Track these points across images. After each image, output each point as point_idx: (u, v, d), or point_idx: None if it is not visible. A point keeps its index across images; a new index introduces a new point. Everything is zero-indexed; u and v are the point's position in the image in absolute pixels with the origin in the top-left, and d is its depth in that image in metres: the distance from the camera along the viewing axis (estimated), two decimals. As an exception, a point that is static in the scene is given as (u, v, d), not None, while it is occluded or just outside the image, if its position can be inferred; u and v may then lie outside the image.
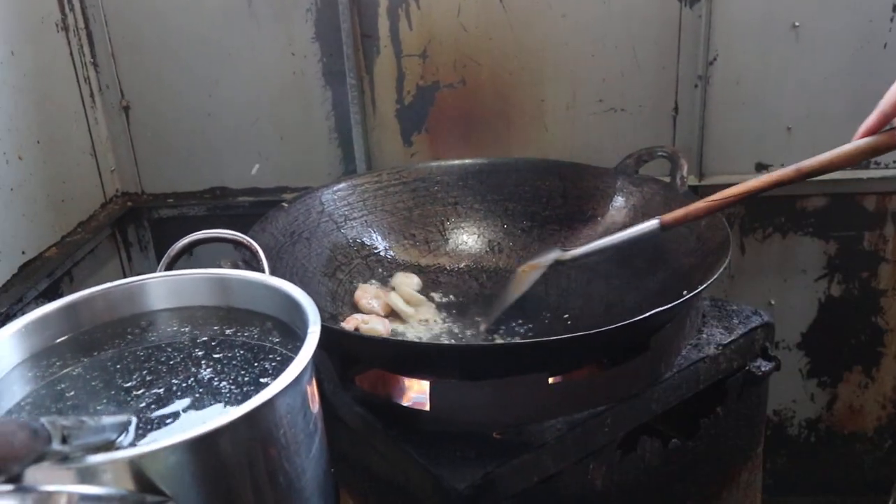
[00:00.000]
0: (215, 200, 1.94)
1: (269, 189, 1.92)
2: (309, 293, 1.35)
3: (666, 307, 1.06)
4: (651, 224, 1.29)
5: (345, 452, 1.28)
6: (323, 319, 1.33)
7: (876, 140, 1.14)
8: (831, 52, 1.75)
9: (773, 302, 1.99)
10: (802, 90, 1.78)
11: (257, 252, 1.05)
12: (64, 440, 0.65)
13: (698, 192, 1.85)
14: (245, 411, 0.74)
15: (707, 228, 1.36)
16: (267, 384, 0.87)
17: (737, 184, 1.81)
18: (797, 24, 1.73)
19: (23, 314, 1.53)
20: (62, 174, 1.73)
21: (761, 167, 1.86)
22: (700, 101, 1.80)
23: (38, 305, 1.61)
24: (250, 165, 1.91)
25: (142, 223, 1.97)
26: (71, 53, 1.78)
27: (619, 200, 1.58)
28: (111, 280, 1.90)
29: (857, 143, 1.14)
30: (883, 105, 1.15)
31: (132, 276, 1.97)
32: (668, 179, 1.53)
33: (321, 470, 0.90)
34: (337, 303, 1.43)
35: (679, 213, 1.28)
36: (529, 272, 1.41)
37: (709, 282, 1.12)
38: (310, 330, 0.86)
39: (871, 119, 1.16)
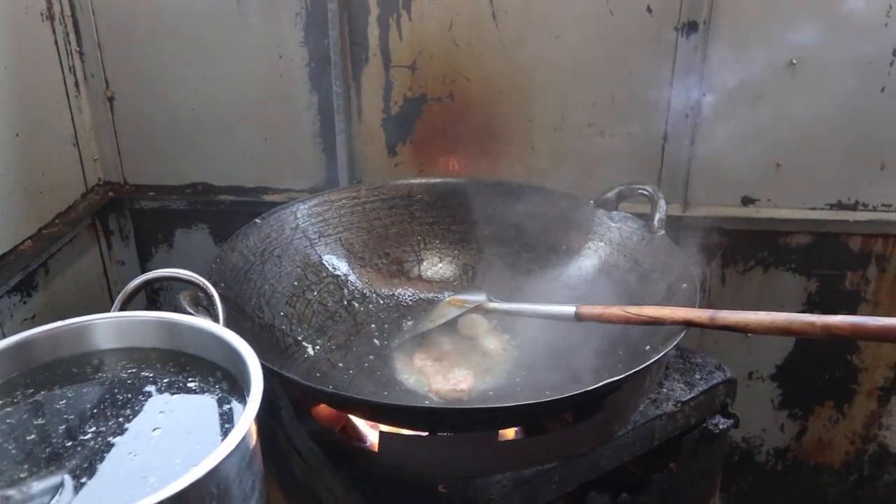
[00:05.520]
0: (197, 196, 1.93)
1: (250, 188, 1.91)
2: (273, 317, 1.37)
3: (617, 378, 1.05)
4: (568, 310, 1.31)
5: (300, 480, 1.28)
6: (286, 345, 1.34)
7: (791, 321, 1.09)
8: (827, 92, 1.72)
9: (749, 333, 1.98)
10: (795, 128, 1.76)
11: (213, 297, 1.04)
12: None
13: (682, 223, 1.85)
14: (180, 488, 0.74)
15: (678, 280, 1.35)
16: (210, 444, 0.87)
17: (721, 217, 1.84)
18: (795, 61, 1.70)
19: (-7, 309, 1.54)
20: (41, 165, 1.72)
21: (748, 201, 1.84)
22: (690, 131, 1.77)
23: (10, 299, 1.62)
24: (233, 163, 1.89)
25: (123, 213, 1.97)
26: (56, 42, 1.76)
27: (596, 235, 1.57)
28: (89, 269, 1.92)
29: (775, 315, 1.10)
30: None
31: (112, 264, 1.99)
32: (647, 215, 1.52)
33: (257, 528, 0.91)
34: (303, 326, 1.43)
35: (596, 310, 1.29)
36: (452, 307, 1.44)
37: (664, 351, 1.11)
38: (251, 396, 0.85)
39: None
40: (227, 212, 1.92)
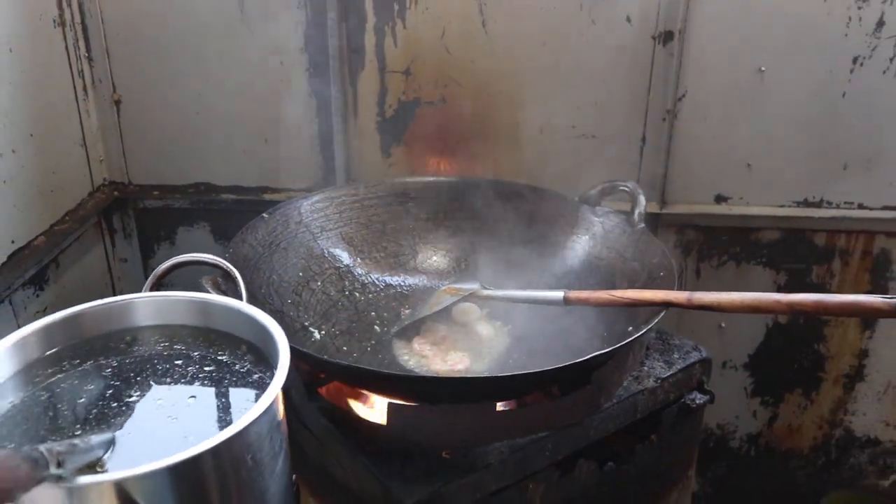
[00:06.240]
0: (199, 195, 2.01)
1: (251, 188, 2.00)
2: (282, 304, 1.46)
3: (604, 351, 1.16)
4: (556, 295, 1.42)
5: (310, 456, 1.38)
6: (294, 330, 1.44)
7: (760, 300, 1.21)
8: (793, 97, 1.85)
9: (723, 325, 2.10)
10: (764, 130, 1.88)
11: (236, 279, 1.14)
12: (59, 464, 0.74)
13: (659, 220, 1.97)
14: (219, 441, 0.84)
15: (657, 267, 1.46)
16: (240, 408, 0.97)
17: (697, 214, 1.96)
18: (763, 68, 1.82)
19: (10, 301, 1.63)
20: (53, 165, 1.80)
21: (721, 199, 1.97)
22: (667, 133, 1.89)
23: (25, 292, 1.70)
24: (235, 164, 1.98)
25: (127, 212, 2.05)
26: (67, 48, 1.84)
27: (580, 229, 1.68)
28: (95, 266, 2.00)
29: (745, 295, 1.22)
30: None
31: (115, 261, 2.07)
32: (628, 210, 1.64)
33: (284, 485, 1.01)
34: (309, 312, 1.52)
35: (583, 294, 1.41)
36: (447, 294, 1.54)
37: (644, 329, 1.22)
38: (280, 364, 0.95)
39: None
40: (227, 210, 2.01)
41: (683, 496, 1.54)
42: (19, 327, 1.23)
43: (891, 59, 1.80)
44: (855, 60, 1.81)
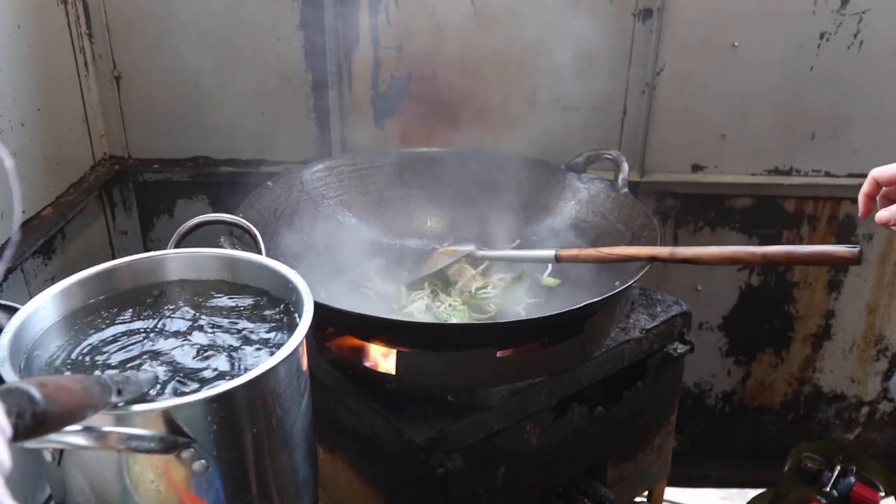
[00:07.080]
0: (198, 168, 2.08)
1: (248, 161, 2.07)
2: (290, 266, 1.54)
3: (595, 300, 1.27)
4: (548, 253, 1.54)
5: (320, 409, 1.46)
6: (302, 290, 1.51)
7: (736, 252, 1.33)
8: (764, 70, 1.96)
9: (699, 288, 2.22)
10: (737, 102, 2.00)
11: (256, 236, 1.22)
12: (119, 392, 0.83)
13: (639, 188, 2.07)
14: (256, 374, 0.93)
15: (641, 228, 1.57)
16: (270, 349, 1.05)
17: (674, 182, 2.07)
18: (736, 44, 1.93)
19: (22, 269, 1.69)
20: (57, 139, 1.86)
21: (696, 168, 2.08)
22: (646, 106, 2.00)
23: (34, 261, 1.76)
24: (233, 137, 2.05)
25: (127, 185, 2.11)
26: (69, 25, 1.90)
27: (567, 195, 1.78)
28: (97, 238, 2.07)
29: (724, 248, 1.34)
30: (877, 173, 1.13)
31: (115, 234, 2.13)
32: (611, 178, 1.74)
33: (307, 420, 1.10)
34: (314, 275, 1.61)
35: (573, 252, 1.53)
36: (445, 255, 1.65)
37: (630, 282, 1.33)
38: (305, 309, 1.04)
39: (865, 186, 1.14)
40: (225, 183, 2.08)
41: (666, 440, 1.65)
42: (31, 295, 1.31)
43: (854, 35, 1.91)
44: (822, 36, 1.92)
